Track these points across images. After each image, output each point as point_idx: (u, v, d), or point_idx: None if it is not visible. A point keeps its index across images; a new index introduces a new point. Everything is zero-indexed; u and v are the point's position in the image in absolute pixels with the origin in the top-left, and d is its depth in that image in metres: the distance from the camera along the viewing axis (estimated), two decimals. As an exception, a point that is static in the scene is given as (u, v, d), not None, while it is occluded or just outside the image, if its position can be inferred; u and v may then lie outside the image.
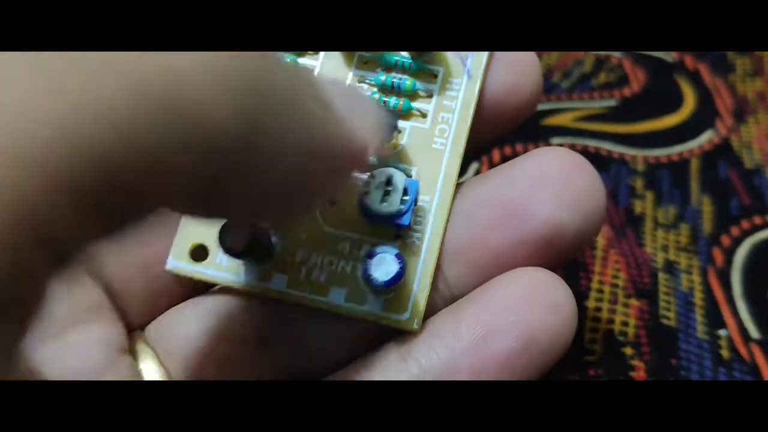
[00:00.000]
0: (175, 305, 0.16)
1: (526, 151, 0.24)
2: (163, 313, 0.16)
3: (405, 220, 0.15)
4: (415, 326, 0.15)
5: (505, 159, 0.22)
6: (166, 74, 0.09)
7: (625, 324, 0.20)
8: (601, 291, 0.21)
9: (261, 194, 0.11)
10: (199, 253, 0.16)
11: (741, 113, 0.26)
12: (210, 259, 0.16)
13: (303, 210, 0.13)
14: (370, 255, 0.15)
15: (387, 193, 0.15)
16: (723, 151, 0.24)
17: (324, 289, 0.16)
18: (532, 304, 0.14)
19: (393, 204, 0.15)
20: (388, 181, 0.15)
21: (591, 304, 0.20)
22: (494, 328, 0.14)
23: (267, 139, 0.10)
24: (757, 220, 0.23)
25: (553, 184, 0.15)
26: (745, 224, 0.22)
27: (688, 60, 0.27)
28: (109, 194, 0.09)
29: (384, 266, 0.14)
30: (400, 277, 0.14)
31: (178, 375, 0.16)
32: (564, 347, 0.14)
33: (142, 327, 0.16)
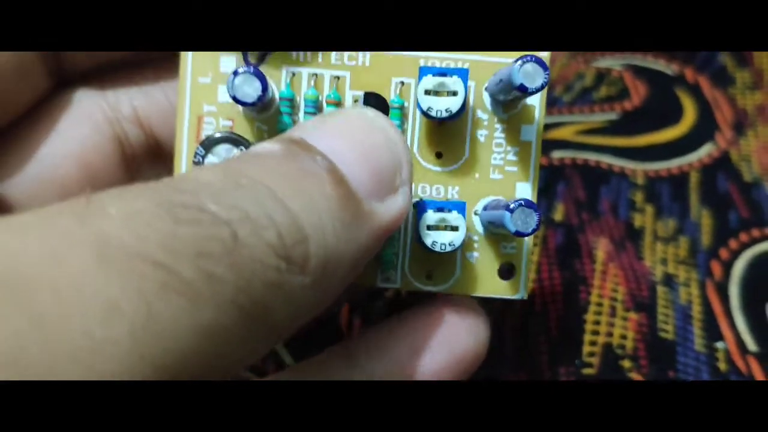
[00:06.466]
0: None
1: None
2: None
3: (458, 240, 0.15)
4: (523, 295, 0.16)
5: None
6: None
7: (623, 337, 0.20)
8: (600, 304, 0.21)
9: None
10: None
11: (740, 126, 0.26)
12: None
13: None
14: (509, 208, 0.14)
15: (442, 228, 0.15)
16: (722, 164, 0.25)
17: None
18: (458, 326, 0.16)
19: (460, 234, 0.15)
20: (442, 220, 0.15)
21: (590, 317, 0.21)
22: (426, 347, 0.16)
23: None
24: (756, 233, 0.23)
25: None
26: (743, 237, 0.23)
27: (689, 73, 0.27)
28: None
29: (525, 217, 0.14)
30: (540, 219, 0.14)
31: None
32: (482, 357, 0.16)
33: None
